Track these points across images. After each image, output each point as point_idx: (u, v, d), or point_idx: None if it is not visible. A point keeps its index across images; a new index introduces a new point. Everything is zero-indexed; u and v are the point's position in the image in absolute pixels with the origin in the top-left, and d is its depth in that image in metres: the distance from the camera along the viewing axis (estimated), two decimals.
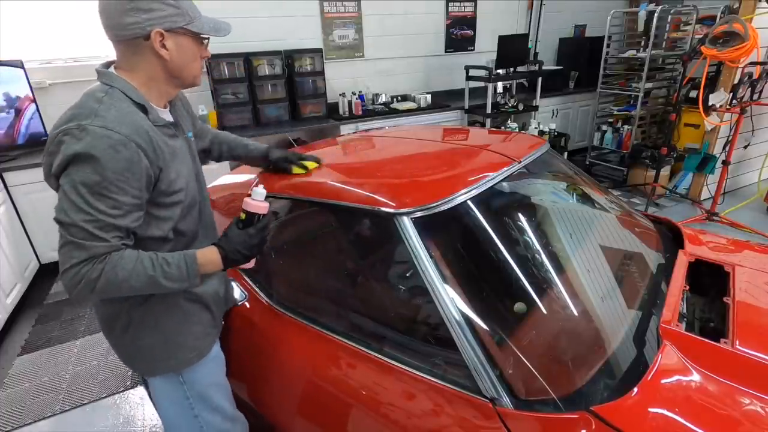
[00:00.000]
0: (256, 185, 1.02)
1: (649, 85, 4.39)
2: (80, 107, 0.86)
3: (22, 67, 2.98)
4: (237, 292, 1.40)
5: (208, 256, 0.96)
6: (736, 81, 3.37)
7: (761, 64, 3.38)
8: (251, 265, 1.06)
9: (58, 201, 0.85)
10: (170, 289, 0.92)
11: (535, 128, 4.20)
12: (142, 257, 0.88)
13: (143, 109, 0.92)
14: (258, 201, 1.01)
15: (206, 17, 0.97)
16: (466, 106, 4.36)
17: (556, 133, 4.29)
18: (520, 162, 1.38)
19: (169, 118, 1.02)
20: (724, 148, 3.61)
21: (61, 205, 0.84)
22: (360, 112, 4.02)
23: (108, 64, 0.96)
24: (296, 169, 1.37)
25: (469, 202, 1.18)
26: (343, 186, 1.27)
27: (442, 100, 4.55)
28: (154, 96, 0.97)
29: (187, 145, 1.07)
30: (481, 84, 4.20)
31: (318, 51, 3.82)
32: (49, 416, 1.97)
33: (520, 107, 4.38)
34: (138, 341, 1.06)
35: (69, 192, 0.83)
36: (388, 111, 4.12)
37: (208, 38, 1.00)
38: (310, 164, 1.39)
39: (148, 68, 0.93)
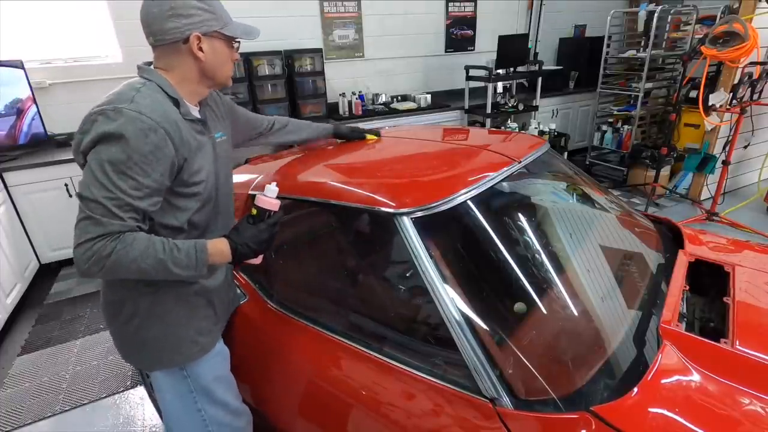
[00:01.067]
0: (269, 182, 1.05)
1: (649, 85, 4.39)
2: (119, 93, 0.92)
3: (22, 67, 2.98)
4: (236, 292, 1.40)
5: (218, 246, 0.99)
6: (736, 81, 3.37)
7: (761, 64, 3.38)
8: (259, 260, 1.08)
9: (83, 176, 0.88)
10: (177, 275, 0.93)
11: (535, 128, 4.20)
12: (154, 240, 0.91)
13: (176, 103, 0.98)
14: (270, 198, 1.03)
15: (237, 22, 1.04)
16: (466, 106, 4.36)
17: (556, 133, 4.29)
18: (520, 162, 1.38)
19: (198, 115, 1.07)
20: (724, 148, 3.61)
21: (85, 181, 0.87)
22: (360, 112, 4.03)
23: (149, 63, 1.03)
24: (370, 136, 1.67)
25: (469, 202, 1.18)
26: (343, 186, 1.27)
27: (442, 100, 4.55)
28: (187, 94, 1.03)
29: (212, 145, 1.10)
30: (481, 84, 4.20)
31: (318, 51, 3.82)
32: (49, 416, 1.97)
33: (520, 107, 4.39)
34: (142, 332, 1.07)
35: (95, 169, 0.86)
36: (388, 111, 4.12)
37: (239, 42, 1.06)
38: (372, 137, 1.67)
39: (184, 69, 1.00)
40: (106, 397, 2.07)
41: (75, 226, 0.87)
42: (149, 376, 1.28)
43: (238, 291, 1.41)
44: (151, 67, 1.01)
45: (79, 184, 0.89)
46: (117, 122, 0.86)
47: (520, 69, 4.36)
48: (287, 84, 3.77)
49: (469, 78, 4.23)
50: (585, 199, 1.66)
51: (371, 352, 1.12)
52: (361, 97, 4.12)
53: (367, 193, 1.19)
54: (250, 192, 1.45)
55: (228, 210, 1.21)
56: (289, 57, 3.72)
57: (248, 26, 1.07)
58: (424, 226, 1.11)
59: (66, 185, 3.01)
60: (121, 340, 1.12)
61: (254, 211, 1.04)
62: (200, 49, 0.98)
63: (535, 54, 5.02)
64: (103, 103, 0.90)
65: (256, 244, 1.02)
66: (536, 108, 4.54)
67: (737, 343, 1.02)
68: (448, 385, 0.99)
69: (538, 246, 1.32)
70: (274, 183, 1.05)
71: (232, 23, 1.03)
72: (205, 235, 1.10)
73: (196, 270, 0.95)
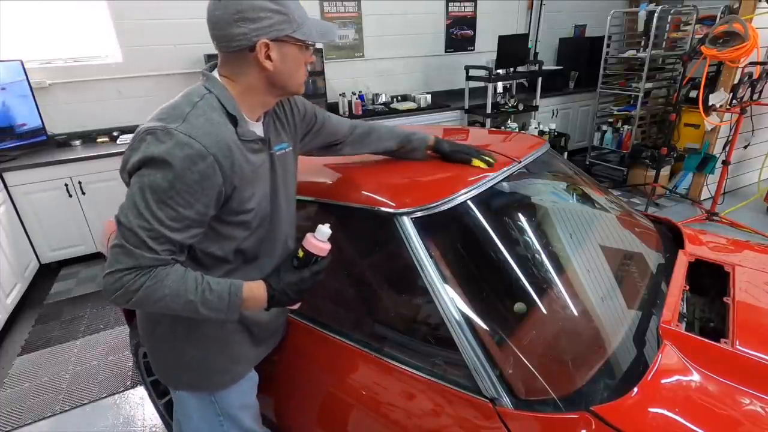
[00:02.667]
0: (323, 223, 0.94)
1: (649, 85, 4.39)
2: (173, 107, 0.85)
3: (22, 67, 2.98)
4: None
5: (255, 291, 0.92)
6: (736, 81, 3.37)
7: (761, 64, 3.38)
8: (297, 306, 1.00)
9: (125, 199, 0.82)
10: (205, 317, 0.87)
11: (535, 128, 4.20)
12: (187, 278, 0.85)
13: (234, 121, 0.88)
14: (320, 241, 0.93)
15: (312, 20, 0.90)
16: (466, 106, 4.36)
17: (556, 133, 4.29)
18: (520, 162, 1.38)
19: (258, 132, 0.96)
20: (724, 148, 3.61)
21: (125, 205, 0.82)
22: (360, 112, 4.03)
23: (213, 66, 0.93)
24: (477, 162, 1.29)
25: (469, 202, 1.18)
26: (343, 186, 1.27)
27: (442, 100, 4.55)
28: (249, 107, 0.92)
29: (270, 162, 1.00)
30: (481, 84, 4.20)
31: (318, 51, 3.82)
32: (49, 416, 1.97)
33: (520, 107, 4.39)
34: (175, 354, 1.03)
35: (135, 193, 0.80)
36: (388, 111, 4.12)
37: (313, 44, 0.93)
38: (490, 158, 1.31)
39: (249, 78, 0.89)
40: (106, 397, 2.07)
41: (110, 249, 0.82)
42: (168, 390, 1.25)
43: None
44: (215, 73, 0.91)
45: (119, 207, 0.82)
46: (165, 145, 0.79)
47: (520, 69, 4.36)
48: None
49: (469, 78, 4.23)
50: (585, 199, 1.66)
51: (371, 352, 1.12)
52: (361, 97, 4.12)
53: (367, 193, 1.19)
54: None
55: (286, 232, 1.09)
56: None
57: (325, 26, 0.92)
58: (424, 226, 1.11)
59: (66, 185, 3.01)
60: (152, 355, 1.09)
61: (300, 254, 0.94)
62: (268, 57, 0.86)
63: (535, 54, 5.02)
64: (155, 116, 0.83)
65: (297, 293, 0.94)
66: (536, 108, 4.54)
67: (737, 343, 1.02)
68: (449, 385, 0.99)
69: (538, 246, 1.32)
70: (328, 225, 0.93)
71: (307, 24, 0.88)
72: (255, 264, 1.03)
73: (226, 314, 0.89)
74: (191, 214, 0.82)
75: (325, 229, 0.93)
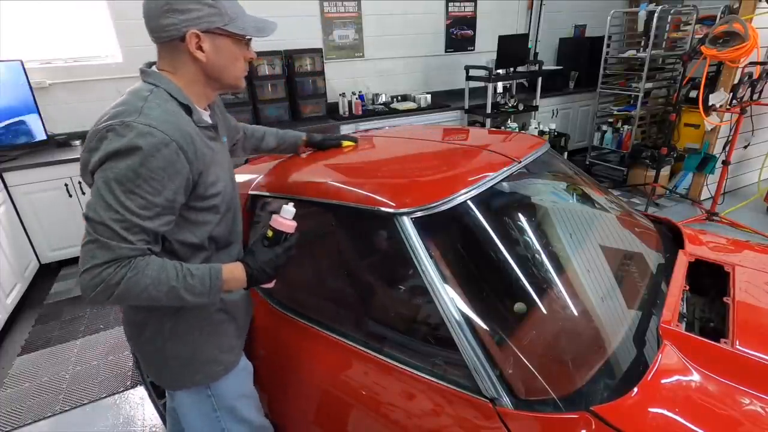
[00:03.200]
0: (287, 203, 0.98)
1: (649, 85, 4.39)
2: (125, 104, 0.85)
3: (22, 67, 2.99)
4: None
5: (234, 272, 0.94)
6: (736, 81, 3.37)
7: (761, 64, 3.38)
8: (272, 284, 1.04)
9: (90, 197, 0.83)
10: (189, 302, 0.88)
11: (535, 128, 4.20)
12: (166, 266, 0.85)
13: (188, 109, 0.91)
14: (286, 219, 0.98)
15: (250, 16, 0.94)
16: (466, 106, 4.36)
17: (556, 133, 4.29)
18: (520, 162, 1.38)
19: (209, 120, 1.00)
20: (724, 148, 3.62)
21: (92, 201, 0.81)
22: (360, 112, 4.02)
23: (150, 65, 0.95)
24: (346, 143, 1.54)
25: (469, 202, 1.18)
26: (343, 186, 1.27)
27: (442, 100, 4.55)
28: (195, 97, 0.95)
29: (225, 149, 1.05)
30: (481, 84, 4.20)
31: (318, 51, 3.82)
32: (49, 416, 1.97)
33: (520, 107, 4.38)
34: (165, 352, 1.03)
35: (101, 188, 0.80)
36: (388, 111, 4.12)
37: (250, 38, 0.96)
38: (351, 139, 1.57)
39: (187, 70, 0.92)
40: (106, 397, 2.07)
41: (81, 248, 0.81)
42: (166, 392, 1.26)
43: None
44: (154, 68, 0.93)
45: (86, 205, 0.82)
46: (127, 137, 0.80)
47: (520, 69, 4.36)
48: (287, 84, 3.77)
49: (469, 78, 4.23)
50: (585, 199, 1.66)
51: (371, 352, 1.12)
52: (361, 97, 4.12)
53: (367, 193, 1.19)
54: (250, 192, 1.45)
55: (239, 219, 1.15)
56: (289, 57, 3.72)
57: (262, 21, 0.95)
58: (424, 226, 1.11)
59: (66, 185, 3.01)
60: (143, 358, 1.09)
61: (270, 233, 0.98)
62: (200, 48, 0.89)
63: (535, 54, 5.02)
64: (109, 116, 0.84)
65: (272, 269, 0.97)
66: (536, 108, 4.54)
67: (737, 343, 1.02)
68: (449, 385, 0.99)
69: (538, 246, 1.32)
70: (291, 204, 0.99)
71: (241, 18, 0.91)
72: (226, 251, 1.06)
73: (209, 297, 0.90)
74: (160, 200, 0.83)
75: (289, 208, 0.98)
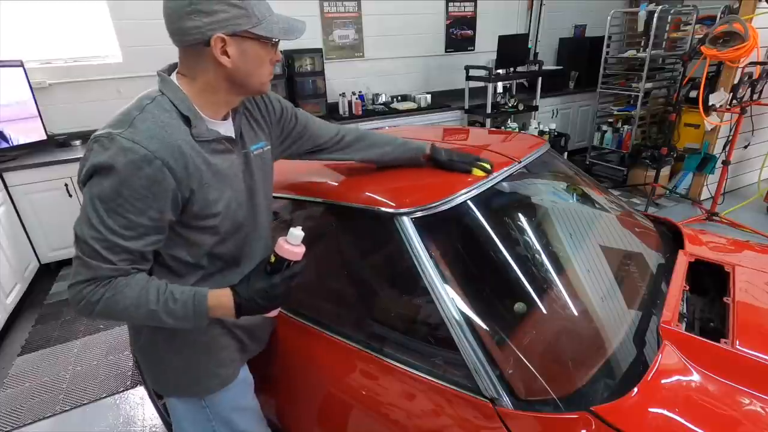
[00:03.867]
0: (295, 226, 0.88)
1: (649, 85, 4.39)
2: (124, 113, 0.82)
3: (22, 67, 2.98)
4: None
5: (221, 300, 0.87)
6: (736, 81, 3.37)
7: (761, 64, 3.38)
8: (275, 314, 0.95)
9: (80, 211, 0.81)
10: (173, 325, 0.85)
11: (535, 128, 4.20)
12: (148, 287, 0.82)
13: (188, 121, 0.84)
14: (292, 245, 0.87)
15: (278, 15, 0.86)
16: (466, 106, 4.36)
17: (556, 133, 4.29)
18: (520, 162, 1.38)
19: (224, 131, 0.91)
20: (724, 148, 3.61)
21: (79, 216, 0.80)
22: (360, 112, 4.02)
23: (172, 67, 0.90)
24: (476, 171, 1.24)
25: (469, 202, 1.18)
26: (344, 186, 1.27)
27: (442, 100, 4.55)
28: (211, 105, 0.88)
29: (244, 162, 0.97)
30: (481, 84, 4.20)
31: (318, 51, 3.82)
32: (49, 416, 1.97)
33: (520, 107, 4.38)
34: (160, 360, 1.02)
35: (86, 204, 0.79)
36: (388, 111, 4.12)
37: (278, 40, 0.88)
38: (487, 165, 1.26)
39: (208, 75, 0.85)
40: (106, 397, 2.07)
41: (73, 260, 0.81)
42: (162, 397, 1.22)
43: None
44: (173, 74, 0.88)
45: (76, 219, 0.80)
46: (108, 152, 0.76)
47: (520, 69, 4.36)
48: (287, 84, 3.77)
49: (469, 78, 4.23)
50: (585, 199, 1.66)
51: (371, 352, 1.12)
52: (361, 97, 4.12)
53: (367, 194, 1.19)
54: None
55: (267, 235, 1.07)
56: (289, 57, 3.72)
57: (290, 21, 0.87)
58: (424, 226, 1.11)
59: (66, 185, 3.01)
60: (141, 362, 1.08)
61: (272, 259, 0.88)
62: (225, 53, 0.81)
63: (535, 54, 5.02)
64: (107, 123, 0.81)
65: (266, 300, 0.86)
66: (536, 108, 4.54)
67: (737, 344, 1.02)
68: (449, 385, 0.99)
69: (538, 246, 1.32)
70: (299, 227, 0.87)
71: (269, 19, 0.84)
72: (238, 270, 1.00)
73: (194, 322, 0.86)
74: (144, 221, 0.80)
75: (296, 232, 0.86)
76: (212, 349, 1.03)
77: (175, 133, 0.81)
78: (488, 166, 1.25)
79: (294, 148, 1.18)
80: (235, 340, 1.08)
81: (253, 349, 1.16)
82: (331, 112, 4.04)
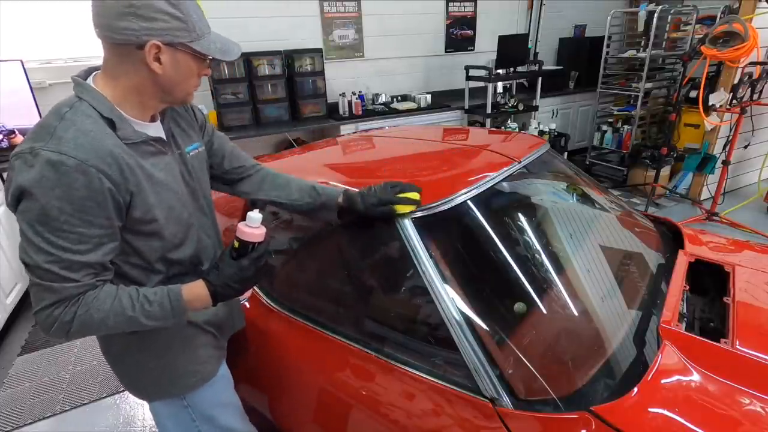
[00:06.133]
0: (251, 209, 0.89)
1: (649, 85, 4.39)
2: (42, 125, 0.77)
3: (22, 67, 2.98)
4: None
5: (195, 291, 0.87)
6: (736, 81, 3.37)
7: (761, 64, 3.38)
8: (247, 296, 0.97)
9: (20, 237, 0.76)
10: (154, 327, 0.85)
11: (535, 128, 4.20)
12: (120, 295, 0.81)
13: (112, 124, 0.81)
14: (253, 228, 0.88)
15: (215, 34, 0.86)
16: (466, 106, 4.36)
17: (556, 133, 4.29)
18: (520, 162, 1.39)
19: (153, 132, 0.89)
20: (724, 148, 3.62)
21: (22, 244, 0.75)
22: (360, 112, 4.02)
23: (89, 71, 0.87)
24: (401, 208, 1.09)
25: (469, 202, 1.18)
26: (343, 186, 1.26)
27: (442, 100, 4.55)
28: (136, 108, 0.85)
29: (180, 162, 0.95)
30: (481, 84, 4.20)
31: (318, 51, 3.82)
32: (49, 416, 1.97)
33: (520, 107, 4.38)
34: (136, 365, 1.01)
35: (27, 231, 0.74)
36: (388, 111, 4.12)
37: (211, 58, 0.88)
38: (413, 195, 1.11)
39: (134, 78, 0.82)
40: (106, 397, 2.07)
41: (29, 289, 0.77)
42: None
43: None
44: (91, 78, 0.85)
45: (19, 247, 0.76)
46: (35, 170, 0.71)
47: (520, 69, 4.36)
48: (287, 84, 3.77)
49: (469, 78, 4.23)
50: (585, 199, 1.66)
51: (371, 352, 1.12)
52: (361, 97, 4.11)
53: None
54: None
55: (216, 233, 1.08)
56: (289, 57, 3.72)
57: (227, 43, 0.87)
58: (424, 226, 1.11)
59: None
60: (116, 371, 1.06)
61: (236, 244, 0.89)
62: (158, 59, 0.79)
63: (535, 54, 5.02)
64: (26, 137, 0.76)
65: (239, 283, 0.89)
66: (536, 108, 4.53)
67: (737, 343, 1.02)
68: (449, 385, 0.99)
69: (538, 246, 1.32)
70: (257, 210, 0.89)
71: (207, 37, 0.84)
72: (200, 269, 1.00)
73: (174, 319, 0.86)
74: (96, 230, 0.77)
75: (255, 215, 0.88)
76: (188, 347, 1.03)
77: (102, 138, 0.78)
78: (415, 197, 1.11)
79: (212, 162, 1.12)
80: (210, 336, 1.08)
81: (222, 345, 1.16)
82: (331, 112, 4.04)
